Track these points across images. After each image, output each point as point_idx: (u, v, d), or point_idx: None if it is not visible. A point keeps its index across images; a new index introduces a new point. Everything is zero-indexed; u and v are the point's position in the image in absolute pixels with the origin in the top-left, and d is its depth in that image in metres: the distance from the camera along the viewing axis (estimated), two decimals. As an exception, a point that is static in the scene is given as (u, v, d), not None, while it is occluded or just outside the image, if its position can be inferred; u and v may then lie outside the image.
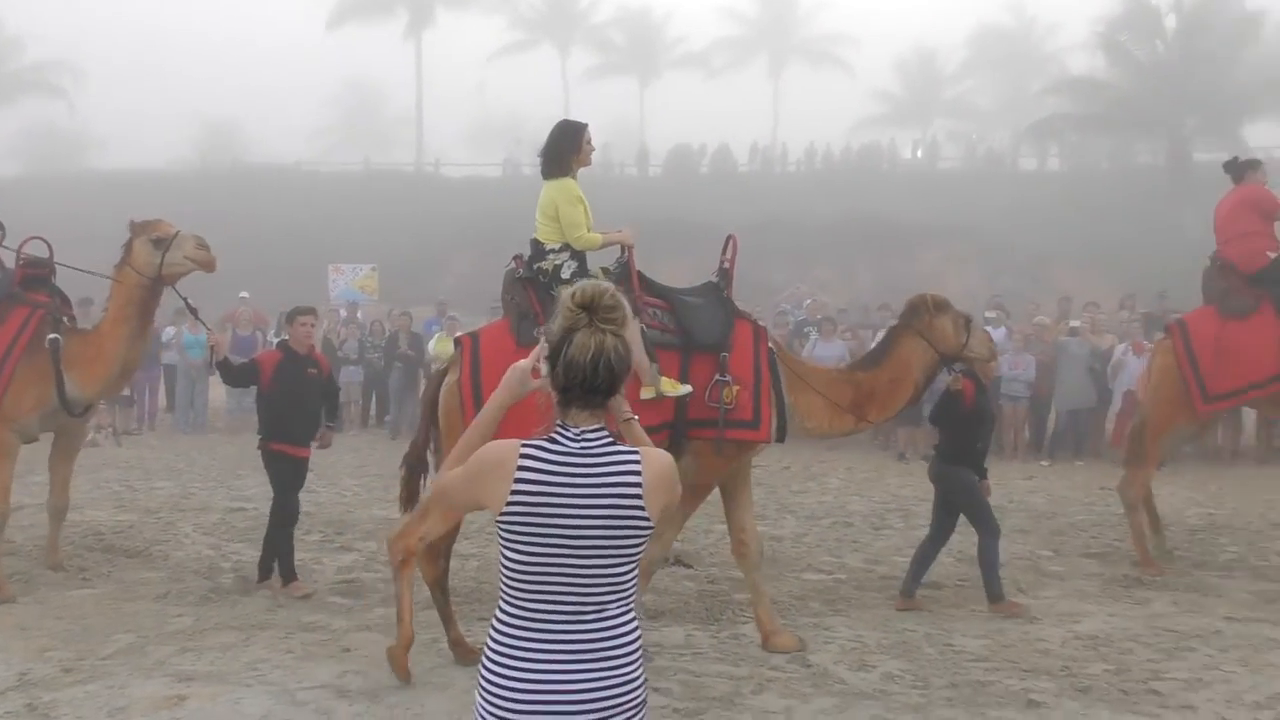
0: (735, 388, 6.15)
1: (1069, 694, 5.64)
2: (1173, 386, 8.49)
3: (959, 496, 7.36)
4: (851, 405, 6.75)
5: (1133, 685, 5.77)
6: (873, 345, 8.58)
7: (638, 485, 2.58)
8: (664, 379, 6.00)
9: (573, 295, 2.66)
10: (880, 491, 12.18)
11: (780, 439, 6.50)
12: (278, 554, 7.70)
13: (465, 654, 5.96)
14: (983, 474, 7.43)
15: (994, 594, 7.23)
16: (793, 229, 29.98)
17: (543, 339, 2.70)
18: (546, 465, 2.56)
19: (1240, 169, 8.85)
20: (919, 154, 43.82)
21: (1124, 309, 17.62)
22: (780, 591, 7.53)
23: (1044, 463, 14.59)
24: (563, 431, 2.62)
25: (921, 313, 6.93)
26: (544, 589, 2.57)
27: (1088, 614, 7.19)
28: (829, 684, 5.75)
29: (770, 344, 6.53)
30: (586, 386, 2.60)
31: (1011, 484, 12.46)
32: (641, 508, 2.58)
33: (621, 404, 2.73)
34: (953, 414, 7.35)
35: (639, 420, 2.87)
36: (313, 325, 8.04)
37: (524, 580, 2.58)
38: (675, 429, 6.10)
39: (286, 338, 8.25)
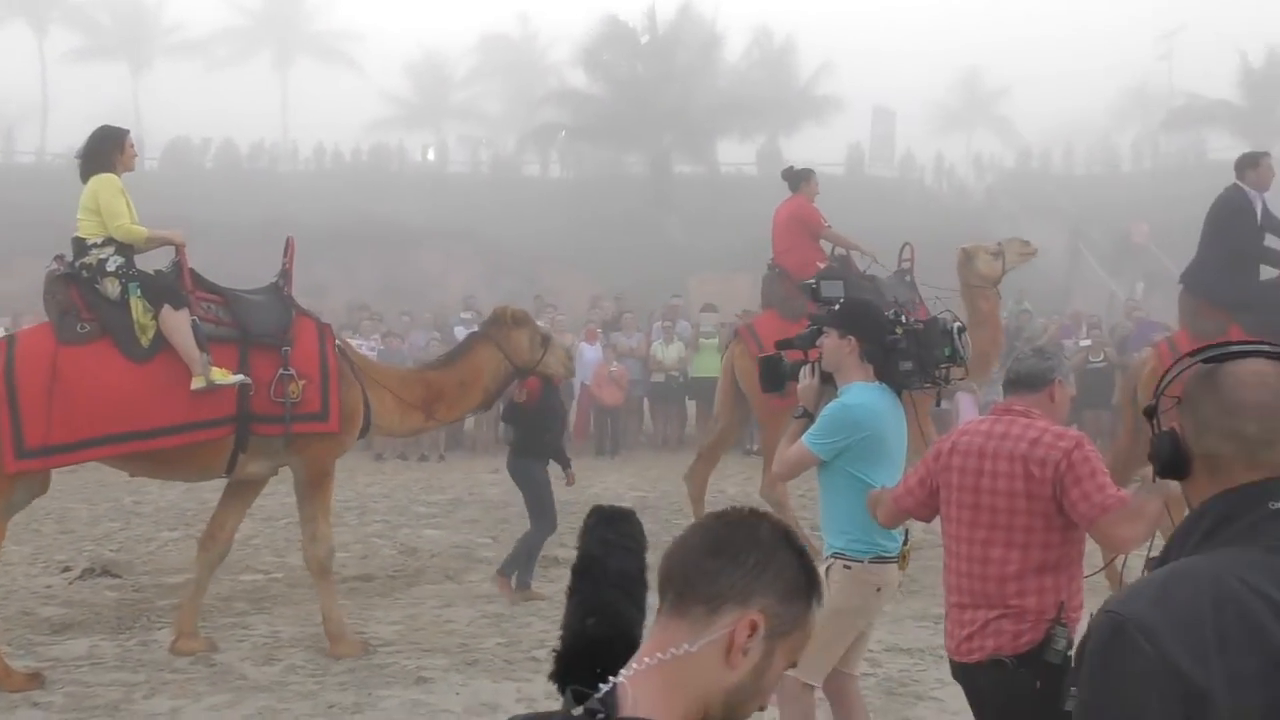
0: (301, 382, 6.25)
1: (458, 668, 6.17)
2: (749, 383, 9.01)
3: (525, 488, 7.90)
4: (422, 403, 6.93)
5: (518, 655, 6.40)
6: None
7: None
8: (214, 369, 6.00)
9: None
10: (348, 490, 12.40)
11: (363, 433, 6.75)
12: None
13: None
14: (565, 464, 8.05)
15: (523, 582, 7.76)
16: (295, 228, 29.36)
17: None
18: None
19: (795, 179, 9.58)
20: (430, 156, 44.52)
21: (595, 307, 18.80)
22: (210, 594, 7.53)
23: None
24: None
25: (501, 324, 7.25)
26: None
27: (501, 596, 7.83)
28: (228, 680, 5.91)
29: (337, 341, 6.69)
30: None
31: (476, 477, 13.16)
32: None
33: None
34: (522, 411, 7.84)
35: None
36: None
37: None
38: (239, 423, 6.15)
39: None
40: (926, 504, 3.76)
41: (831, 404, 4.25)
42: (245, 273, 6.68)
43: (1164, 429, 1.80)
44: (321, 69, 51.18)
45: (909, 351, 4.26)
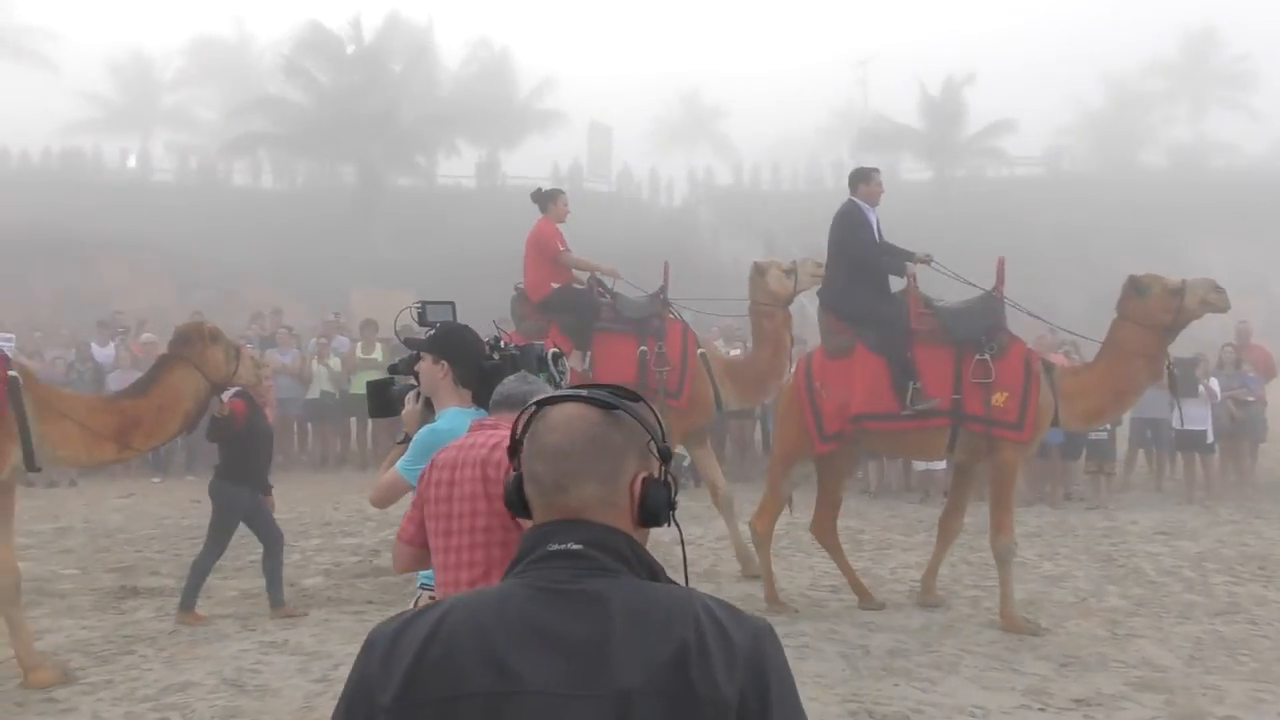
0: None
1: None
2: None
3: (217, 511, 7.80)
4: (115, 433, 6.49)
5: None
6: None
7: None
8: None
9: None
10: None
11: (30, 468, 6.28)
12: None
13: None
14: (266, 490, 7.99)
15: (276, 601, 7.89)
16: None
17: None
18: None
19: (543, 200, 9.45)
20: (131, 163, 42.19)
21: (254, 322, 17.43)
22: None
23: (155, 479, 14.70)
24: None
25: (194, 342, 6.89)
26: None
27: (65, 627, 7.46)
28: None
29: (13, 372, 6.21)
30: None
31: (106, 503, 12.52)
32: None
33: None
34: (227, 433, 7.69)
35: None
36: None
37: None
38: None
39: None
40: (422, 529, 3.71)
41: (421, 429, 4.21)
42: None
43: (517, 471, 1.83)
44: (10, 66, 47.71)
45: (504, 376, 4.15)
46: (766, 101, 56.91)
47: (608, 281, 9.46)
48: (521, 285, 9.50)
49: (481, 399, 4.19)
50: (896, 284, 8.39)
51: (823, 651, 7.13)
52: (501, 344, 4.42)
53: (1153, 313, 7.71)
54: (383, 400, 4.63)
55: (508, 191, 38.48)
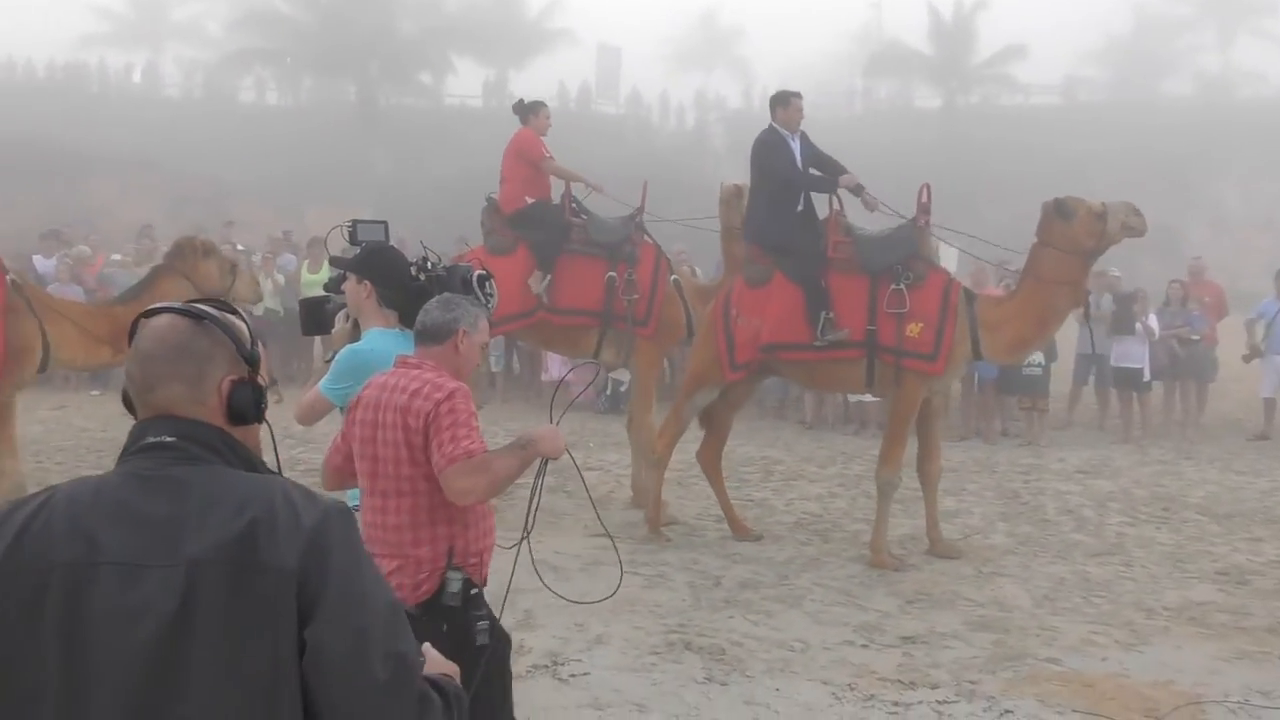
0: None
1: None
2: None
3: None
4: (110, 337, 6.74)
5: None
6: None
7: None
8: None
9: None
10: None
11: (41, 368, 6.77)
12: None
13: None
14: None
15: None
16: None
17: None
18: None
19: (524, 111, 9.15)
20: (137, 78, 42.05)
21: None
22: None
23: (95, 392, 14.67)
24: None
25: (187, 254, 7.05)
26: None
27: None
28: None
29: (12, 275, 6.50)
30: None
31: (35, 414, 12.66)
32: None
33: None
34: None
35: None
36: None
37: None
38: None
39: None
40: (350, 461, 3.74)
41: (343, 349, 4.24)
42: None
43: None
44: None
45: (431, 297, 4.09)
46: (781, 25, 55.71)
47: (580, 195, 9.10)
48: (494, 196, 9.18)
49: (408, 320, 4.12)
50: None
51: (672, 581, 7.13)
52: (429, 265, 4.35)
53: (1076, 237, 7.51)
54: (316, 318, 4.65)
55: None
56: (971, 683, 5.64)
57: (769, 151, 8.11)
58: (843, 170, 8.13)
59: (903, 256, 7.79)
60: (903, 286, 7.70)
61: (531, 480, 3.73)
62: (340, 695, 1.80)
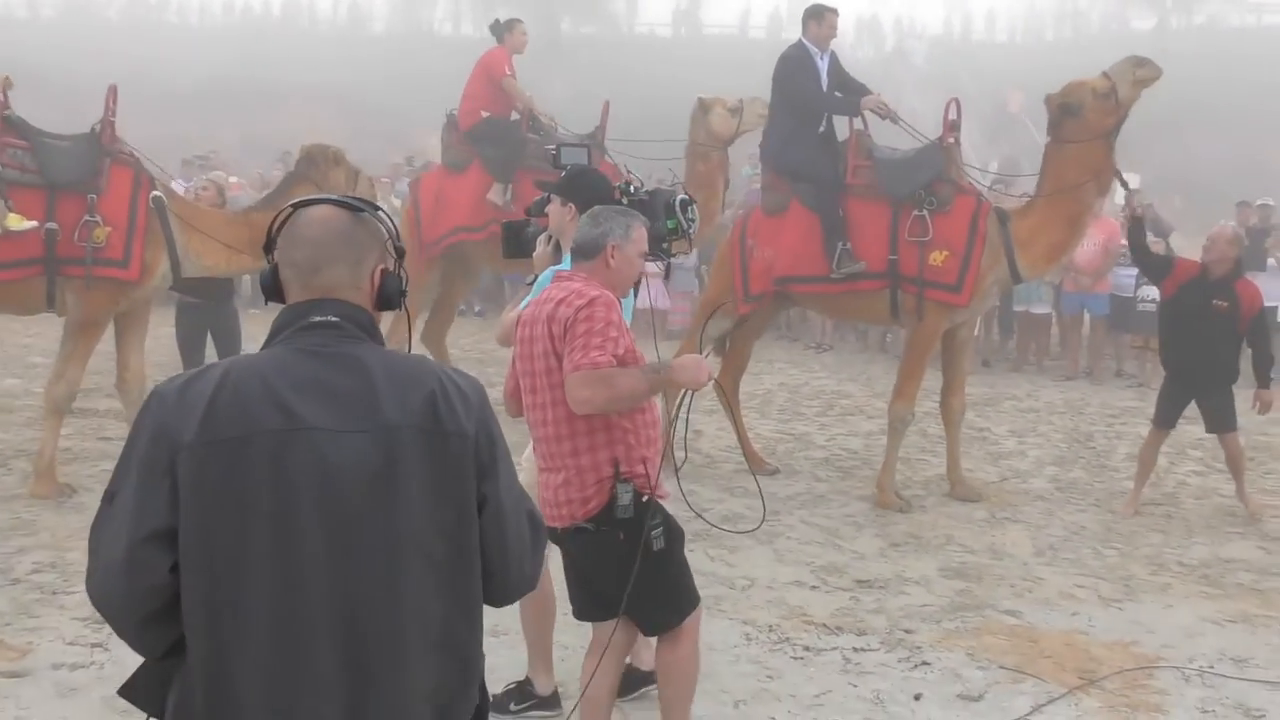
0: (106, 229, 6.61)
1: None
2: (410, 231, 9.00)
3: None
4: (249, 244, 7.01)
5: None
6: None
7: None
8: (11, 215, 6.41)
9: None
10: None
11: (178, 277, 7.11)
12: None
13: None
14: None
15: None
16: (163, 83, 29.33)
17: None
18: None
19: (499, 30, 9.28)
20: (342, 14, 43.59)
21: None
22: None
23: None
24: None
25: (319, 162, 7.37)
26: None
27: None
28: None
29: (157, 192, 6.93)
30: None
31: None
32: None
33: None
34: None
35: None
36: None
37: None
38: (47, 265, 6.63)
39: None
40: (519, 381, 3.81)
41: (546, 270, 4.21)
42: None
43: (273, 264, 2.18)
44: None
45: None
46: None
47: (542, 120, 8.98)
48: (453, 112, 9.23)
49: None
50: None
51: (655, 515, 7.00)
52: (632, 189, 4.39)
53: (1092, 124, 6.93)
54: (517, 242, 4.70)
55: (704, 43, 37.72)
56: (906, 631, 5.32)
57: (794, 69, 7.68)
58: (867, 92, 7.68)
59: (927, 180, 7.28)
60: (925, 213, 7.22)
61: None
62: (513, 535, 2.14)
